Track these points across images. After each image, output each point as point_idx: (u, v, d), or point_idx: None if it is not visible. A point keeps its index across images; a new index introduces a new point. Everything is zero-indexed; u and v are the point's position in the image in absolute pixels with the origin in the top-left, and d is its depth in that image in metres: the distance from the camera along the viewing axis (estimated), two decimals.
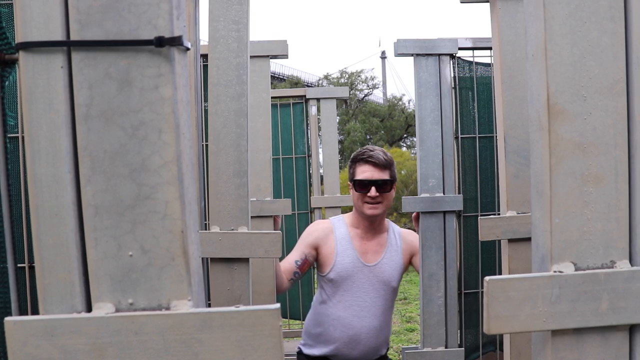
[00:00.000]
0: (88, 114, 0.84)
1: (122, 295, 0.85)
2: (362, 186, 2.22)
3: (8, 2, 1.51)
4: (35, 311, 1.47)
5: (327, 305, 2.29)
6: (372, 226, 2.29)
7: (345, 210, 3.48)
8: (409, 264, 2.37)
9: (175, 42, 0.84)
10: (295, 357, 2.52)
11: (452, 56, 2.30)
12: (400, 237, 2.35)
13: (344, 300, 2.26)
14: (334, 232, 2.32)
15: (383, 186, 2.21)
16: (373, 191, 2.19)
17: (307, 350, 2.37)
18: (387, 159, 2.24)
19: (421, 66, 2.24)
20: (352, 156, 2.35)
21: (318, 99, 3.78)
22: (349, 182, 2.35)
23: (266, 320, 0.84)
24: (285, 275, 2.26)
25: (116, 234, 0.85)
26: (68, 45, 0.84)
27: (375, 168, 2.21)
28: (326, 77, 25.08)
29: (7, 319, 0.83)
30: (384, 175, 2.22)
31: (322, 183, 4.07)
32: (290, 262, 2.28)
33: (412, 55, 2.25)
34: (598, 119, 0.95)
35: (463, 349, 2.27)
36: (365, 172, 2.22)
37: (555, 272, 0.95)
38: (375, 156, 2.22)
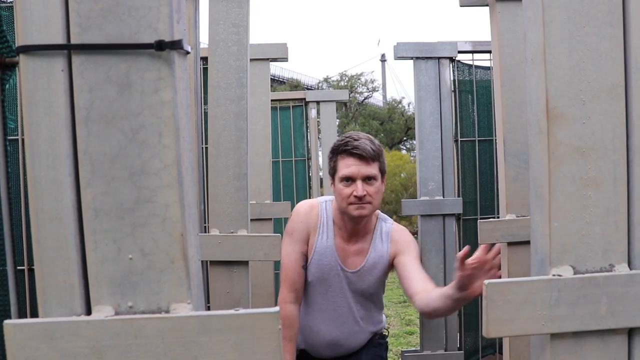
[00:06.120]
0: (88, 117, 0.85)
1: (122, 298, 0.85)
2: (346, 183, 1.80)
3: (9, 5, 1.51)
4: (34, 314, 1.47)
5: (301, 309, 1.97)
6: (356, 228, 1.88)
7: None
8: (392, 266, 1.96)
9: (176, 45, 0.84)
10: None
11: (451, 59, 2.30)
12: (389, 239, 1.93)
13: (317, 306, 1.93)
14: (318, 222, 1.92)
15: (371, 182, 1.80)
16: (360, 189, 1.77)
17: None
18: (375, 149, 1.81)
19: (421, 69, 2.25)
20: (332, 146, 1.88)
21: (318, 102, 3.78)
22: (329, 177, 1.91)
23: (265, 323, 0.84)
24: (300, 292, 1.91)
25: (116, 237, 0.85)
26: (68, 49, 0.84)
27: (361, 161, 1.79)
28: (326, 80, 25.10)
29: (6, 322, 0.83)
30: (372, 170, 1.80)
31: (321, 186, 4.07)
32: (299, 273, 1.90)
33: (411, 58, 2.25)
34: (597, 123, 0.95)
35: (462, 352, 2.27)
36: (350, 167, 1.79)
37: (554, 275, 0.95)
38: (361, 146, 1.78)
